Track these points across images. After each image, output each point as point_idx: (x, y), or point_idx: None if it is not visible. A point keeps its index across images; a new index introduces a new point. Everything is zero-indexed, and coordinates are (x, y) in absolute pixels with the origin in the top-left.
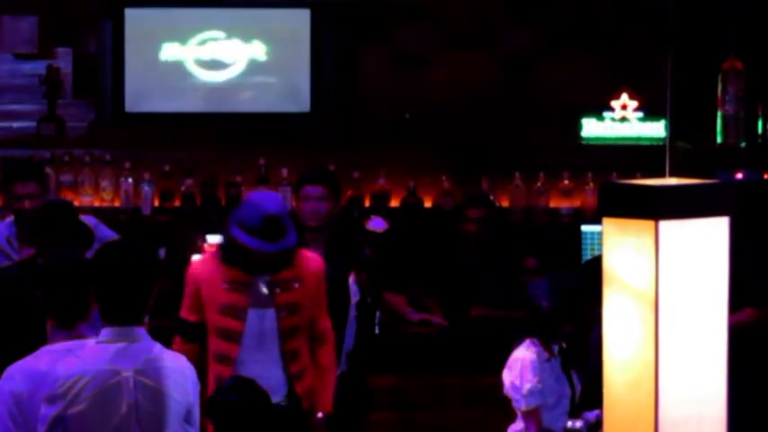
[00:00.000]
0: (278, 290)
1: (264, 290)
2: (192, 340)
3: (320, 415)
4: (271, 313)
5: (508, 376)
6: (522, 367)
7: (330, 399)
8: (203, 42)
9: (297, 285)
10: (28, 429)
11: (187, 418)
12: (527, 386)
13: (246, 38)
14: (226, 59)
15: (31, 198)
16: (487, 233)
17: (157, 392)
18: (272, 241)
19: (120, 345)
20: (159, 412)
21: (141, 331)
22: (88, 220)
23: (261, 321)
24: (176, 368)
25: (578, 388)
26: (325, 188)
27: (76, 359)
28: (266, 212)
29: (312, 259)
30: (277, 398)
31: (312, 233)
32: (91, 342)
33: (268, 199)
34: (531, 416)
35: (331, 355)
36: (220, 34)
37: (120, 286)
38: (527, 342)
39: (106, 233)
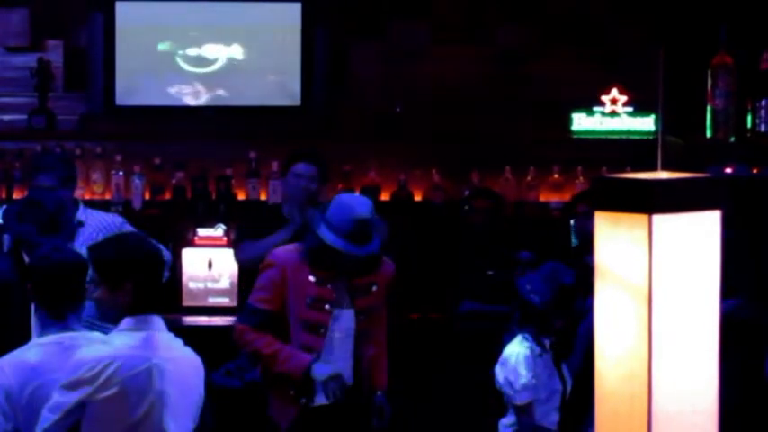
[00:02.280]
0: (357, 293)
1: (344, 292)
2: (259, 327)
3: (379, 393)
4: (348, 315)
5: (501, 371)
6: (515, 362)
7: (385, 379)
8: (194, 36)
9: (374, 289)
10: (18, 423)
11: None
12: (521, 381)
13: (238, 31)
14: (217, 53)
15: (49, 189)
16: (491, 226)
17: (181, 380)
18: (359, 245)
19: (144, 333)
20: (182, 400)
21: (160, 320)
22: (115, 219)
23: (338, 321)
24: (192, 358)
25: (569, 382)
26: (317, 168)
27: (103, 345)
28: (358, 216)
29: (387, 264)
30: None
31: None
32: (79, 334)
33: (360, 203)
34: (523, 410)
35: (384, 338)
36: (212, 27)
37: (153, 279)
38: (519, 337)
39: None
